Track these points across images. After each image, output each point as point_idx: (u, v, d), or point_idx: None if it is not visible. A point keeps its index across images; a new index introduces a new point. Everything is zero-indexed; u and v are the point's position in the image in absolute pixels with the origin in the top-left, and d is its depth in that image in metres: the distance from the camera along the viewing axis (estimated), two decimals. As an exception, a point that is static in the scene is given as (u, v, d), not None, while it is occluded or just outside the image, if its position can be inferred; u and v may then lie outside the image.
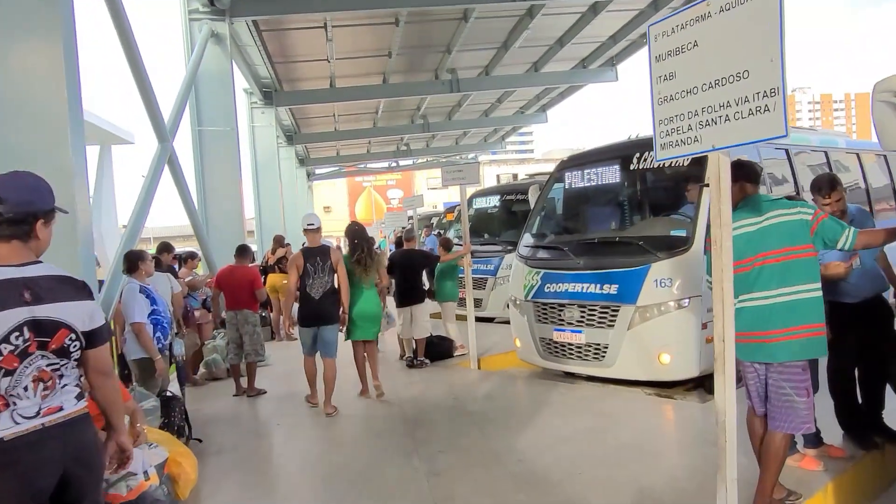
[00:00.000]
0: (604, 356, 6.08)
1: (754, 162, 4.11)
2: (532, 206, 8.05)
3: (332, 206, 53.82)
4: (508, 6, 12.34)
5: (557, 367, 6.58)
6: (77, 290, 2.21)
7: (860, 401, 4.16)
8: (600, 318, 6.10)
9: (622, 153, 6.80)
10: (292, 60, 14.82)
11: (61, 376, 2.18)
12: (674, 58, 2.71)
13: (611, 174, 6.94)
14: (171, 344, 5.15)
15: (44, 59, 3.93)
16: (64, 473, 2.12)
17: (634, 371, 6.00)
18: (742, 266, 3.21)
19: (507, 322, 10.38)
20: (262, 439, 5.40)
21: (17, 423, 2.05)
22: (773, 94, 2.27)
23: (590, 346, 6.19)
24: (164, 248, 7.36)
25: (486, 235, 11.62)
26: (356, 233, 6.40)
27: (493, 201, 11.89)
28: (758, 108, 2.34)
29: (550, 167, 19.38)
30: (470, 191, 10.28)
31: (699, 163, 6.00)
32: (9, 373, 2.06)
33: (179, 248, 10.21)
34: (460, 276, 8.15)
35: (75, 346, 2.19)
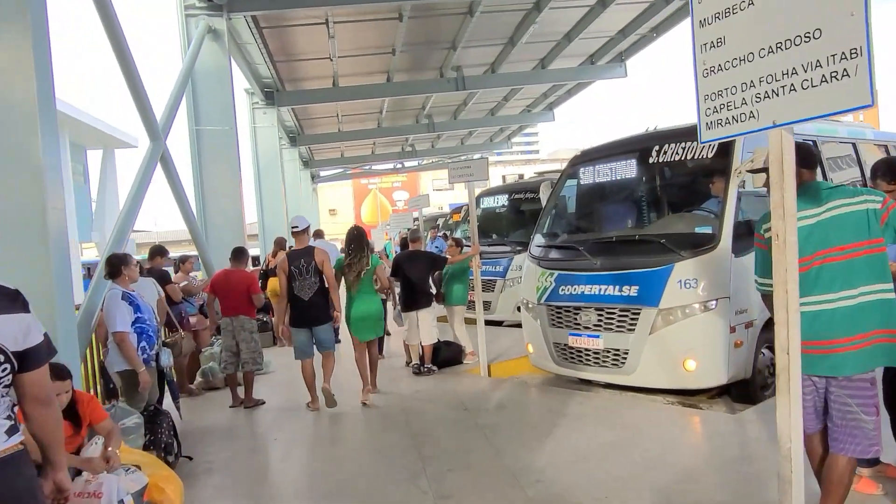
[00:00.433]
0: (623, 362, 5.67)
1: (810, 144, 3.68)
2: (544, 204, 7.64)
3: (338, 209, 53.56)
4: (515, -1, 11.98)
5: (573, 373, 6.18)
6: (8, 300, 1.82)
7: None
8: (619, 321, 5.70)
9: (640, 146, 6.40)
10: (294, 59, 14.48)
11: None
12: (723, 20, 2.31)
13: (628, 169, 6.55)
14: (157, 354, 4.78)
15: (10, 48, 3.57)
16: None
17: (657, 378, 5.59)
18: (798, 266, 2.80)
19: (517, 326, 10.04)
20: (257, 456, 5.01)
21: None
22: (853, 56, 1.86)
23: (608, 352, 5.79)
24: (158, 251, 6.99)
25: (494, 236, 11.23)
26: (353, 237, 6.44)
27: (502, 200, 11.49)
28: (833, 75, 1.94)
29: (556, 167, 19.09)
30: (478, 189, 9.88)
31: (724, 154, 5.66)
32: None
33: (186, 252, 9.88)
34: (470, 277, 7.75)
35: (4, 369, 1.80)
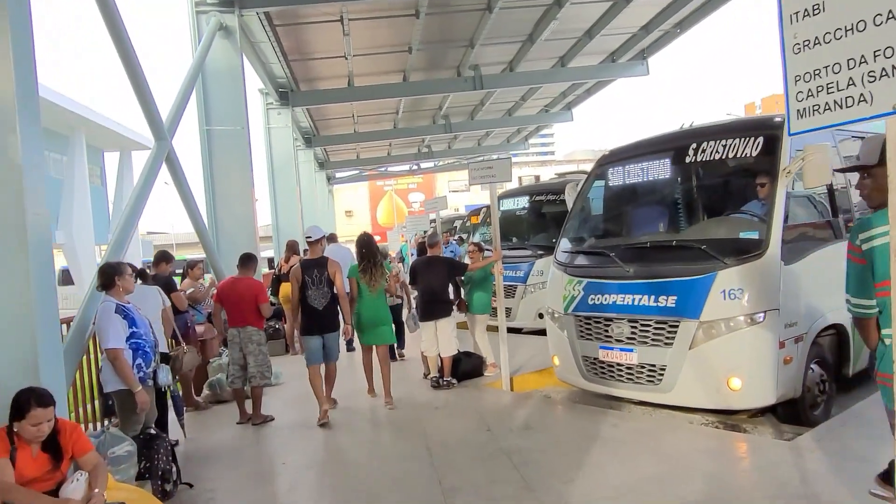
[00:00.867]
0: (660, 379, 5.21)
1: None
2: (569, 207, 7.19)
3: (354, 211, 53.39)
4: (535, -6, 11.55)
5: (604, 390, 5.73)
6: None
7: None
8: (656, 334, 5.24)
9: (675, 144, 5.95)
10: (308, 58, 14.17)
11: None
12: (821, -17, 1.86)
13: (662, 169, 6.09)
14: (154, 372, 4.40)
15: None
16: None
17: (697, 397, 5.13)
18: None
19: (537, 333, 9.61)
20: (264, 484, 4.58)
21: None
22: None
23: (643, 368, 5.33)
24: (162, 257, 6.65)
25: (514, 239, 10.78)
26: (364, 243, 6.61)
27: (522, 202, 11.03)
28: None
29: (573, 168, 18.55)
30: (499, 190, 9.47)
31: (769, 152, 5.20)
32: None
33: (204, 256, 9.56)
34: (509, 283, 7.30)
35: None
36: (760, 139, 5.27)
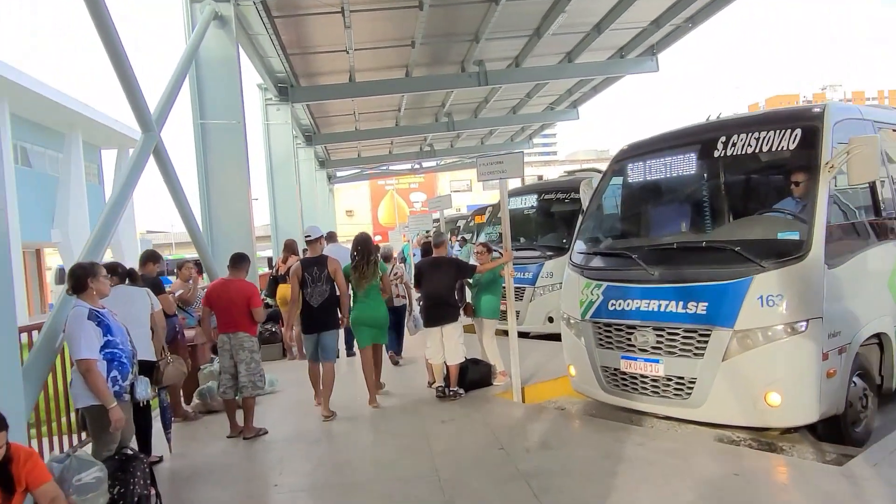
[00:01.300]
0: (689, 393, 4.77)
1: None
2: (585, 205, 6.74)
3: (355, 210, 53.01)
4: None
5: (626, 403, 5.27)
6: None
7: None
8: (684, 344, 4.80)
9: (703, 137, 5.50)
10: (308, 52, 13.73)
11: None
12: None
13: (688, 163, 5.63)
14: (132, 385, 3.95)
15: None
16: None
17: (731, 413, 4.68)
18: None
19: (546, 337, 9.17)
20: (254, 508, 4.16)
21: None
22: None
23: (670, 380, 4.88)
24: (149, 256, 6.20)
25: (522, 240, 10.32)
26: (360, 241, 6.55)
27: (531, 201, 10.58)
28: None
29: (576, 167, 18.12)
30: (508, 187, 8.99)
31: (809, 145, 4.76)
32: None
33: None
34: (516, 286, 6.86)
35: None
36: (798, 131, 4.82)
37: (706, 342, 4.66)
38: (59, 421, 4.77)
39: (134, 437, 4.79)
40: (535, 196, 10.59)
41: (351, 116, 20.68)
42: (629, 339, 5.14)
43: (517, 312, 8.46)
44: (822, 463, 4.34)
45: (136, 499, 3.60)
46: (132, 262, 9.89)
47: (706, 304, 4.70)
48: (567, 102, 22.66)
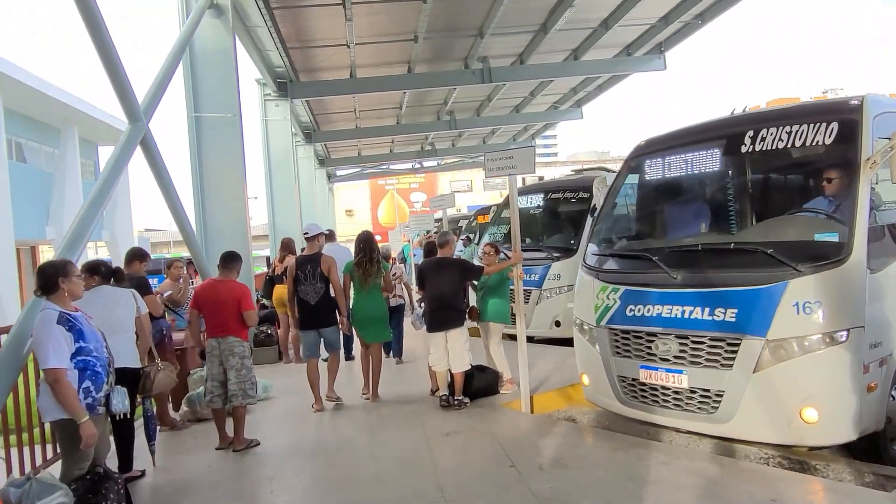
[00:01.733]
0: (715, 407, 4.40)
1: None
2: (599, 204, 6.37)
3: (355, 210, 52.65)
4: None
5: (645, 417, 4.90)
6: None
7: None
8: (711, 354, 4.43)
9: (729, 131, 5.13)
10: (308, 45, 13.38)
11: None
12: None
13: (712, 160, 5.28)
14: (107, 396, 3.57)
15: None
16: None
17: (761, 430, 4.31)
18: None
19: (552, 342, 8.80)
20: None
21: None
22: None
23: (694, 393, 4.52)
24: (135, 254, 5.82)
25: (527, 240, 9.93)
26: (362, 239, 6.58)
27: (537, 200, 10.20)
28: None
29: (577, 168, 17.74)
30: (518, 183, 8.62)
31: (846, 139, 4.39)
32: None
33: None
34: (512, 287, 6.50)
35: None
36: (835, 125, 4.45)
37: (735, 352, 4.30)
38: (30, 432, 4.38)
39: (114, 449, 4.44)
40: (542, 195, 10.22)
41: (351, 114, 20.34)
42: (649, 348, 4.77)
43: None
44: (864, 486, 3.97)
45: (108, 524, 3.22)
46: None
47: (735, 310, 4.33)
48: (571, 101, 22.35)
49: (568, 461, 4.42)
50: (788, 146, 4.65)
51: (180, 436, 5.73)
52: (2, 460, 3.98)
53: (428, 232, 14.09)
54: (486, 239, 10.79)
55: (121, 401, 3.60)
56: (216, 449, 5.20)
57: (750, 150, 4.86)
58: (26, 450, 4.29)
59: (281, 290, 9.01)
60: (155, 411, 5.61)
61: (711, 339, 4.42)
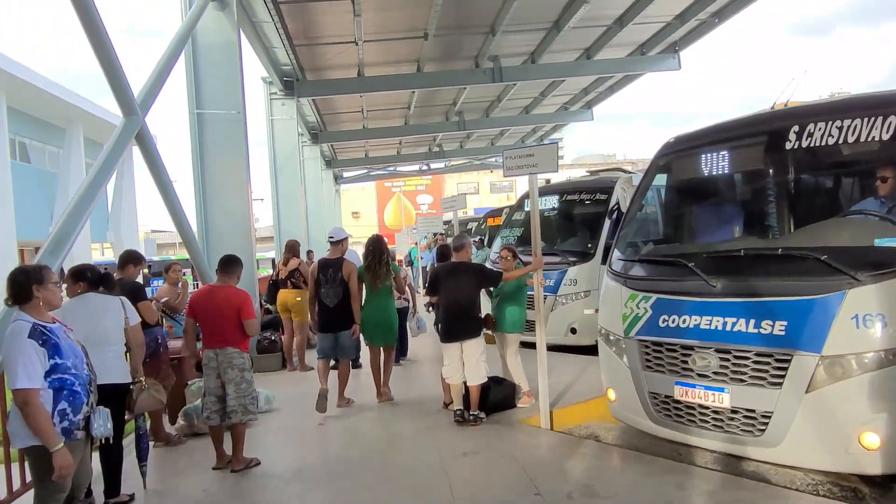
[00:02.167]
0: (762, 430, 3.98)
1: None
2: (624, 206, 5.96)
3: (361, 212, 52.39)
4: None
5: (680, 437, 4.48)
6: None
7: None
8: (756, 371, 4.01)
9: (771, 127, 4.71)
10: (315, 42, 13.04)
11: None
12: None
13: (752, 158, 4.87)
14: (87, 419, 3.18)
15: None
16: None
17: (814, 456, 3.89)
18: None
19: (567, 350, 8.38)
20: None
21: None
22: None
23: (737, 413, 4.10)
24: (129, 258, 5.42)
25: (542, 244, 9.52)
26: (372, 242, 6.66)
27: (551, 202, 9.79)
28: None
29: (582, 172, 17.34)
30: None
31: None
32: None
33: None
34: (530, 293, 6.11)
35: None
36: (893, 119, 4.03)
37: (785, 369, 3.88)
38: (6, 449, 3.97)
39: (101, 471, 4.06)
40: (557, 197, 9.81)
41: (359, 114, 20.01)
42: (685, 362, 4.36)
43: (534, 322, 7.68)
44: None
45: (84, 565, 2.84)
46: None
47: (785, 323, 3.92)
48: (581, 102, 21.98)
49: (599, 488, 4.00)
50: (840, 142, 4.23)
51: (175, 453, 5.34)
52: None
53: (436, 234, 13.74)
54: (498, 242, 10.40)
55: (103, 424, 3.20)
56: (213, 469, 4.79)
57: (795, 146, 4.44)
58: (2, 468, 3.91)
59: (284, 295, 8.64)
60: (149, 426, 5.24)
61: (757, 355, 4.01)
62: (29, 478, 3.80)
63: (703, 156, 5.08)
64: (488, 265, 8.14)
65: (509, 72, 15.59)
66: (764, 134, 4.73)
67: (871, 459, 3.68)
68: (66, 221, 4.47)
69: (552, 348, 8.41)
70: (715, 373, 4.19)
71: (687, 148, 5.29)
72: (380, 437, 5.51)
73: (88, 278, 4.22)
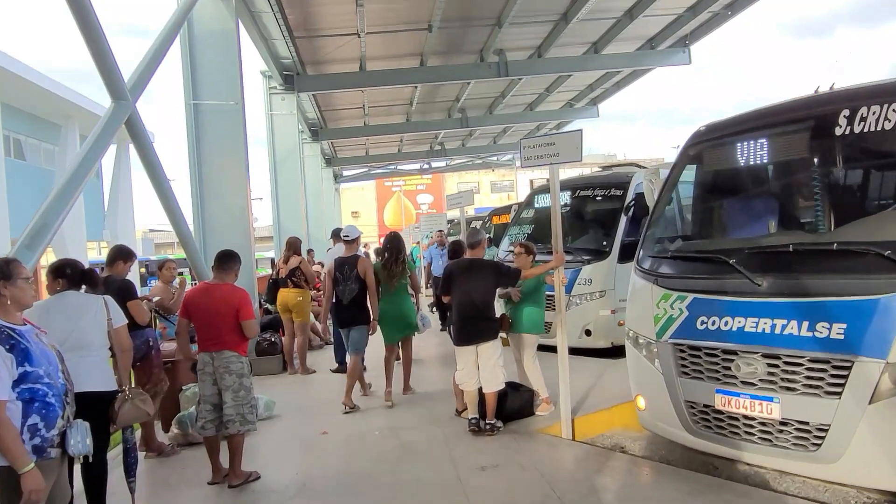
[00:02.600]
0: (817, 444, 3.58)
1: None
2: (651, 200, 5.55)
3: (360, 211, 51.95)
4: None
5: (724, 452, 4.09)
6: None
7: None
8: (811, 379, 3.62)
9: (816, 111, 4.30)
10: (316, 34, 12.66)
11: None
12: None
13: (795, 145, 4.45)
14: (63, 434, 2.78)
15: None
16: None
17: (879, 474, 3.49)
18: None
19: (581, 352, 7.97)
20: None
21: None
22: None
23: (788, 425, 3.70)
24: (119, 254, 5.01)
25: (554, 242, 9.13)
26: (389, 240, 6.79)
27: (563, 198, 9.35)
28: None
29: (585, 171, 16.95)
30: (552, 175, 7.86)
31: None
32: None
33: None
34: (549, 293, 5.72)
35: None
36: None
37: (845, 377, 3.48)
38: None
39: (84, 488, 3.67)
40: (569, 193, 9.39)
41: (360, 110, 19.63)
42: (728, 369, 3.96)
43: (548, 325, 7.25)
44: None
45: None
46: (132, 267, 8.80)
47: (843, 325, 3.52)
48: (587, 99, 21.62)
49: (635, 509, 3.61)
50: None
51: (168, 465, 4.93)
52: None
53: (440, 231, 13.34)
54: (505, 241, 9.99)
55: (81, 440, 2.79)
56: (208, 484, 4.40)
57: (845, 132, 4.05)
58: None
59: (284, 295, 8.25)
60: (139, 436, 4.85)
61: (811, 361, 3.61)
62: None
63: (740, 144, 4.67)
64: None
65: (515, 66, 15.24)
66: (810, 119, 4.33)
67: (944, 478, 3.30)
68: (47, 210, 4.06)
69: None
70: (762, 380, 3.80)
71: (721, 136, 4.88)
72: (389, 447, 5.11)
73: (69, 275, 3.79)
